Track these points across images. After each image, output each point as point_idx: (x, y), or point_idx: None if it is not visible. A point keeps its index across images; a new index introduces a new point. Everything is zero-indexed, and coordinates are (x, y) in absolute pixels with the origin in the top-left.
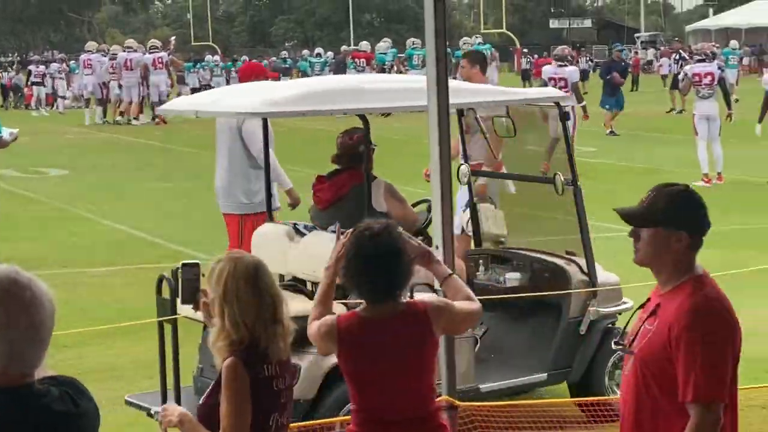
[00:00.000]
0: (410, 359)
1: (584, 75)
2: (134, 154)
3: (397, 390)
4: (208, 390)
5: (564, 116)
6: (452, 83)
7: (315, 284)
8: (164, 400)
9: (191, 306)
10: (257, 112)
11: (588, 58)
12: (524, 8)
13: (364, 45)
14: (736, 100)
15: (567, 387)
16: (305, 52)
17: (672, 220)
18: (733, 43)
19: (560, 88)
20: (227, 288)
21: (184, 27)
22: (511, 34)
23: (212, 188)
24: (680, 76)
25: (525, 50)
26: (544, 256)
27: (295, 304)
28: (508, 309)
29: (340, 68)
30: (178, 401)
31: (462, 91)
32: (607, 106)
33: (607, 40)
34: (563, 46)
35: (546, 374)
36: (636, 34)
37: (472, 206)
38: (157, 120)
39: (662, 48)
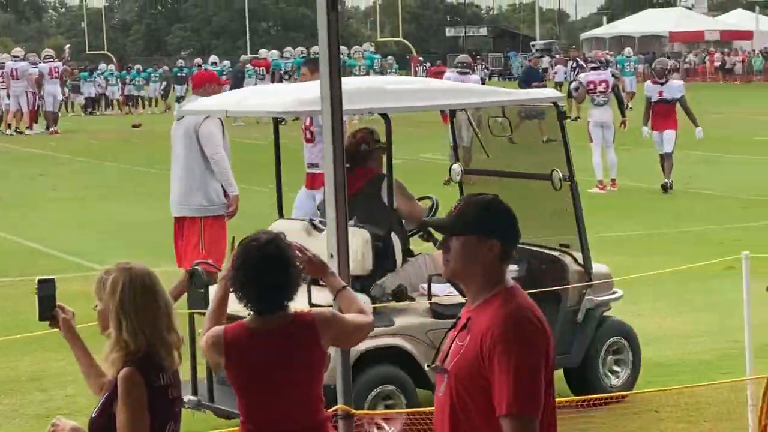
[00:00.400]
0: (298, 370)
1: (481, 83)
2: (27, 164)
3: (285, 401)
4: (101, 403)
5: (561, 115)
6: (449, 85)
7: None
8: (194, 391)
9: (48, 323)
10: (290, 111)
11: (483, 66)
12: (420, 16)
13: (263, 53)
14: (630, 108)
15: (563, 374)
16: (197, 60)
17: (484, 227)
18: (627, 50)
19: None
20: (124, 298)
21: (78, 36)
22: (408, 42)
23: (106, 197)
24: (573, 85)
25: (421, 58)
26: (538, 249)
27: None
28: None
29: (237, 77)
30: (194, 392)
31: (460, 92)
32: (522, 114)
33: (503, 48)
34: (465, 54)
35: None
36: (531, 42)
37: None
38: (51, 130)
39: (557, 56)
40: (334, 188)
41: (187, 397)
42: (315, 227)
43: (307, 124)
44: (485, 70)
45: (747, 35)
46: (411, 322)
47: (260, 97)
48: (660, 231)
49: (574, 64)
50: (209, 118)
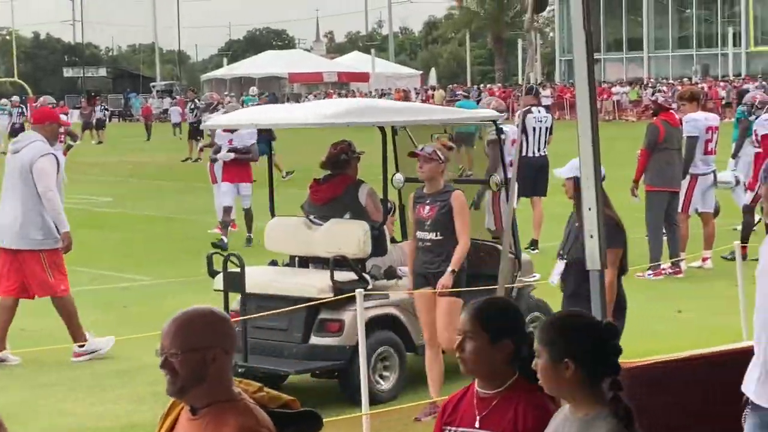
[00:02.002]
0: None
1: (100, 123)
2: None
3: None
4: None
5: (500, 131)
6: (396, 105)
7: (338, 259)
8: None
9: None
10: (314, 123)
11: (103, 107)
12: (36, 56)
13: None
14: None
15: None
16: None
17: None
18: (253, 89)
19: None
20: None
21: None
22: (24, 83)
23: None
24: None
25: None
26: (476, 240)
27: (342, 275)
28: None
29: None
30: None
31: (405, 110)
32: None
33: (123, 89)
34: (46, 95)
35: None
36: (152, 83)
37: (401, 207)
38: None
39: (178, 97)
40: None
41: None
42: (313, 222)
43: None
44: (105, 111)
45: (364, 77)
46: (401, 296)
47: (285, 112)
48: None
49: (193, 105)
50: (45, 155)
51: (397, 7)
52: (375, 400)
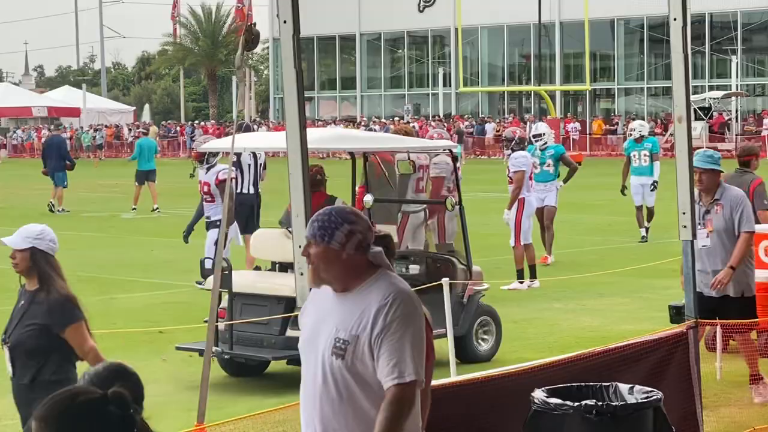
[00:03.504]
0: None
1: None
2: None
3: None
4: None
5: (455, 158)
6: (367, 134)
7: None
8: (217, 343)
9: None
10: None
11: None
12: None
13: None
14: None
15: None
16: None
17: None
18: None
19: None
20: None
21: None
22: None
23: None
24: None
25: None
26: (432, 253)
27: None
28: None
29: None
30: (217, 344)
31: (375, 139)
32: (65, 183)
33: None
34: None
35: (444, 329)
36: None
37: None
38: None
39: None
40: None
41: (213, 348)
42: (291, 233)
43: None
44: None
45: (75, 112)
46: None
47: (267, 139)
48: None
49: None
50: None
51: (109, 41)
52: None
